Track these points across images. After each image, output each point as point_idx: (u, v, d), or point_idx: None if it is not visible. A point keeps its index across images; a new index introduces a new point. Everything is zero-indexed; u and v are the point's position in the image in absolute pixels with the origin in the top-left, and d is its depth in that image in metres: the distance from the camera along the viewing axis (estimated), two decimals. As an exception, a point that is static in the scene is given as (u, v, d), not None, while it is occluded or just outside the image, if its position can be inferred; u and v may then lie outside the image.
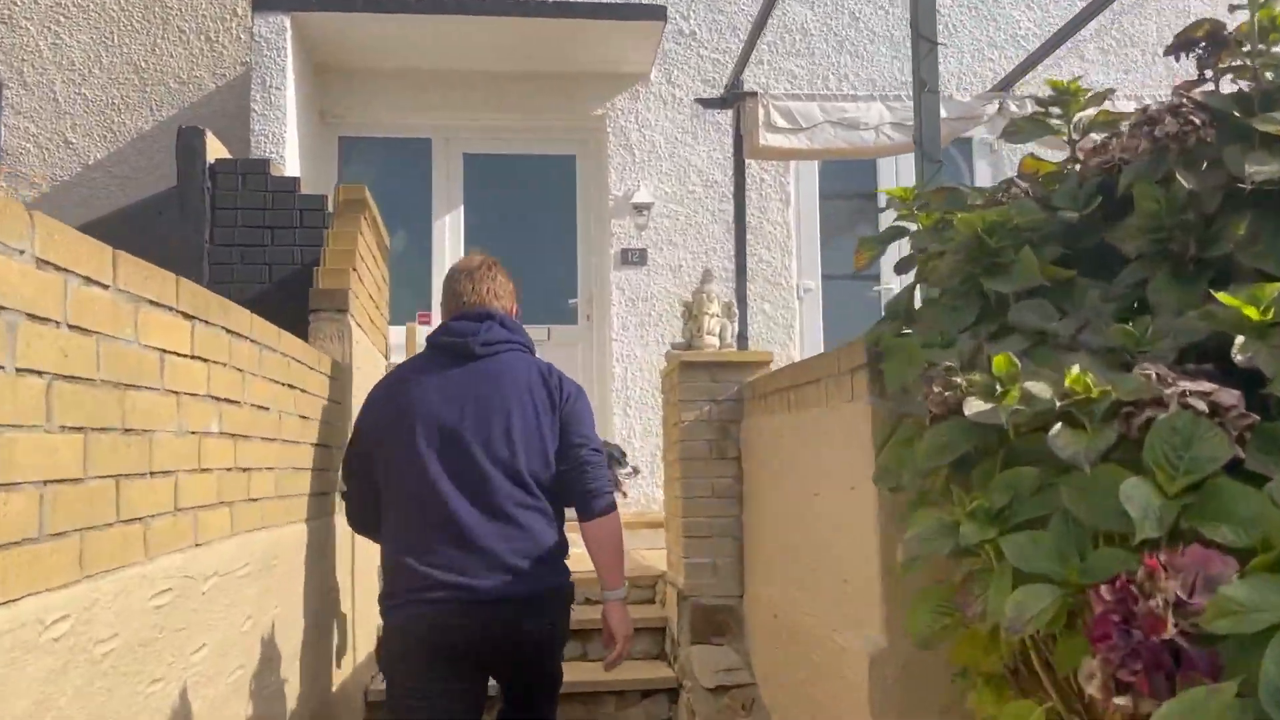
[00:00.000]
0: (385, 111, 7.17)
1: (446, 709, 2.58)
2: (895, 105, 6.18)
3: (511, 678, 2.79)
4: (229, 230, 4.82)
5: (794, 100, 6.09)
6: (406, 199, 7.27)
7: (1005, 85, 6.29)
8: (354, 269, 3.65)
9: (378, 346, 4.49)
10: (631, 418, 7.05)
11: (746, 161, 6.29)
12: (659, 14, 6.66)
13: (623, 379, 7.08)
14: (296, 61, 6.58)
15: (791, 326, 7.20)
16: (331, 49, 6.79)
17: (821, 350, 7.23)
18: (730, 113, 6.45)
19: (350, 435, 2.88)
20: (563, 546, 2.72)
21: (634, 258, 7.13)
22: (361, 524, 2.83)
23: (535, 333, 5.20)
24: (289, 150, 6.31)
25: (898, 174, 7.42)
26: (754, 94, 6.07)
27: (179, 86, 7.01)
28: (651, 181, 7.20)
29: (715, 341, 4.80)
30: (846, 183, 7.61)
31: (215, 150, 4.98)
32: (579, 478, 2.72)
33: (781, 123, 6.06)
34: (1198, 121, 1.84)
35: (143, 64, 6.98)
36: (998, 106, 6.17)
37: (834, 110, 6.12)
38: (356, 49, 6.78)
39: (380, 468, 2.65)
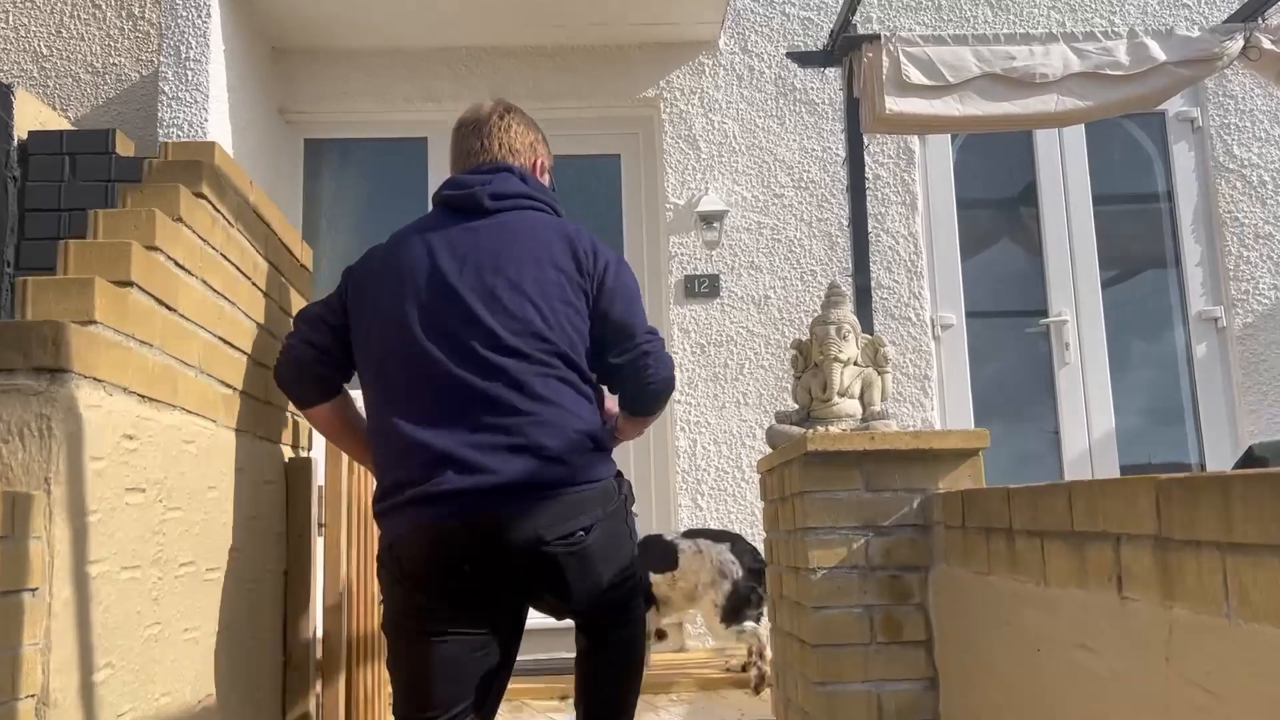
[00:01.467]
0: (365, 105, 5.36)
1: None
2: (1085, 48, 4.19)
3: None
4: (44, 246, 2.97)
5: (935, 45, 4.12)
6: (396, 219, 5.40)
7: (1249, 15, 4.26)
8: (131, 282, 1.72)
9: (263, 434, 2.54)
10: (704, 510, 5.04)
11: (865, 141, 4.38)
12: (729, -52, 4.77)
13: (690, 455, 5.09)
14: (238, 37, 4.81)
15: (926, 377, 5.13)
16: (284, 17, 5.01)
17: (971, 410, 5.14)
18: (838, 76, 4.54)
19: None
20: (598, 432, 2.11)
21: (702, 287, 5.16)
22: (294, 377, 2.25)
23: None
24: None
25: (1063, 156, 5.38)
26: (876, 38, 4.13)
27: (91, 78, 5.26)
28: (724, 183, 5.25)
29: (855, 408, 2.78)
30: (991, 178, 5.57)
31: (34, 117, 3.14)
32: (637, 371, 2.20)
33: (918, 78, 4.09)
34: None
35: (44, 50, 5.26)
36: (1242, 43, 4.16)
37: (995, 58, 4.13)
38: (317, 20, 4.99)
39: (359, 334, 2.19)
